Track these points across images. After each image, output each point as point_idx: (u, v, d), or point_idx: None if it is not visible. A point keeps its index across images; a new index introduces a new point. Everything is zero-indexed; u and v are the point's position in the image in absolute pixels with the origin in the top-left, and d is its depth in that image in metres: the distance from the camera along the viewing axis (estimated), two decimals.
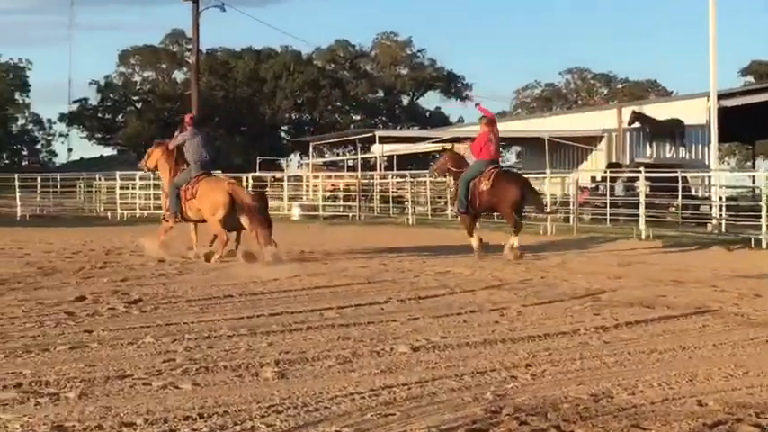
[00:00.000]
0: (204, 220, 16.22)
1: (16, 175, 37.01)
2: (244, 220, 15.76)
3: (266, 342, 8.15)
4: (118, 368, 6.96)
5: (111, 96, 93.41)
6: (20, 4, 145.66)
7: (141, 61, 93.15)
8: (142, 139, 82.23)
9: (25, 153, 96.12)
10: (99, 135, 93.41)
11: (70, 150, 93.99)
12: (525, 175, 20.45)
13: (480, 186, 16.98)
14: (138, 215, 34.72)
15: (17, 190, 35.21)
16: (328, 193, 38.09)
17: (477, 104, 20.73)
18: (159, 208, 25.92)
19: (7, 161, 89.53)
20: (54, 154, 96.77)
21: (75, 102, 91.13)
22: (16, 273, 13.57)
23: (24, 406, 5.85)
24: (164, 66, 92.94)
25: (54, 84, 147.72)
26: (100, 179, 38.84)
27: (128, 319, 9.48)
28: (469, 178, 17.23)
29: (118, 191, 36.52)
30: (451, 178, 18.59)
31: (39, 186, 36.76)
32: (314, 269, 14.53)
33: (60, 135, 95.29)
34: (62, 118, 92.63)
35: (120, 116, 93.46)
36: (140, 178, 37.03)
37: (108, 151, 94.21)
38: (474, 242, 17.25)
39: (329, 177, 39.07)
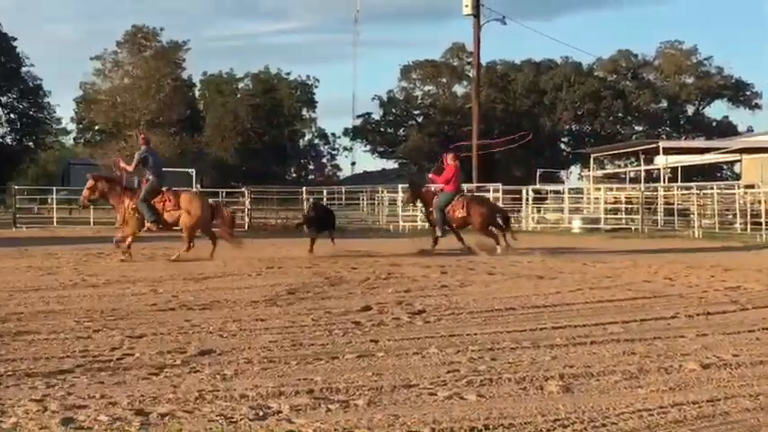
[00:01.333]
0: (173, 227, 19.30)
1: (304, 188, 38.63)
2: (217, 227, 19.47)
3: (550, 356, 8.05)
4: (404, 377, 7.07)
5: (393, 111, 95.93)
6: (307, 24, 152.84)
7: (422, 76, 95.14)
8: (423, 153, 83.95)
9: (311, 167, 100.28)
10: (381, 149, 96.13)
11: (353, 164, 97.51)
12: None
13: (456, 213, 20.58)
14: (419, 227, 35.38)
15: (305, 203, 36.61)
16: (610, 206, 37.39)
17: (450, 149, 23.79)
18: None
19: (294, 174, 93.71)
20: (338, 168, 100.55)
21: (358, 116, 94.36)
22: (305, 282, 14.09)
23: (316, 411, 6.04)
24: (444, 80, 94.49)
25: (339, 99, 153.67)
26: (382, 192, 39.86)
27: (412, 329, 9.62)
28: (444, 206, 20.61)
29: (400, 203, 37.36)
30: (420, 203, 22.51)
31: (325, 199, 38.16)
32: (596, 282, 14.27)
33: (344, 149, 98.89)
34: (346, 132, 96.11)
35: (401, 130, 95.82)
36: None
37: (390, 164, 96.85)
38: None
39: (611, 189, 38.30)
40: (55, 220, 36.10)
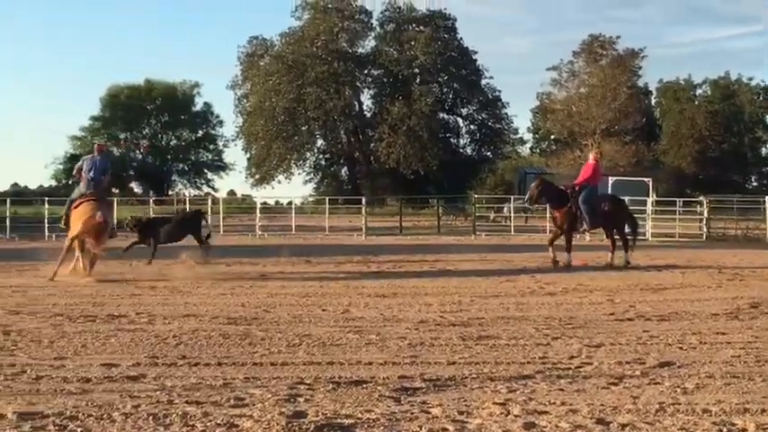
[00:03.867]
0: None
1: (766, 198, 36.76)
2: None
3: None
4: None
5: None
6: None
7: None
8: None
9: None
10: None
11: None
12: None
13: (602, 207, 19.56)
14: None
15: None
16: None
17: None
18: None
19: (755, 183, 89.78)
20: None
21: None
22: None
23: None
24: None
25: None
26: None
27: None
28: (590, 200, 19.42)
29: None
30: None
31: None
32: None
33: None
34: None
35: None
36: None
37: None
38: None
39: None
40: (512, 228, 37.18)
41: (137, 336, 9.50)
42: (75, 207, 16.87)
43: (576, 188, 19.72)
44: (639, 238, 26.80)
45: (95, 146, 18.51)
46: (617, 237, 19.84)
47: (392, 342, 9.12)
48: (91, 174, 17.32)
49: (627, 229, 20.29)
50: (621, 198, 22.12)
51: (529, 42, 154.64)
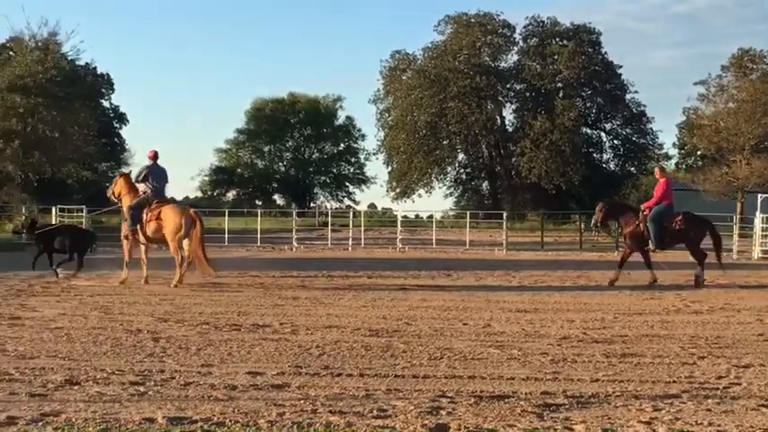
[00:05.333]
0: (161, 241, 17.84)
1: None
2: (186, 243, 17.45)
3: None
4: None
5: None
6: None
7: None
8: None
9: None
10: None
11: None
12: None
13: (673, 226, 19.17)
14: None
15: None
16: None
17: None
18: None
19: None
20: None
21: None
22: None
23: None
24: None
25: None
26: None
27: None
28: (659, 219, 19.21)
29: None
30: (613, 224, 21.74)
31: None
32: None
33: None
34: None
35: None
36: None
37: None
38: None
39: None
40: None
41: (281, 345, 9.67)
42: (156, 217, 17.54)
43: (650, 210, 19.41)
44: None
45: (151, 152, 18.75)
46: (704, 252, 19.38)
47: (534, 357, 9.06)
48: (155, 183, 18.29)
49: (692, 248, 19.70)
50: (698, 215, 21.42)
51: (676, 56, 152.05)
